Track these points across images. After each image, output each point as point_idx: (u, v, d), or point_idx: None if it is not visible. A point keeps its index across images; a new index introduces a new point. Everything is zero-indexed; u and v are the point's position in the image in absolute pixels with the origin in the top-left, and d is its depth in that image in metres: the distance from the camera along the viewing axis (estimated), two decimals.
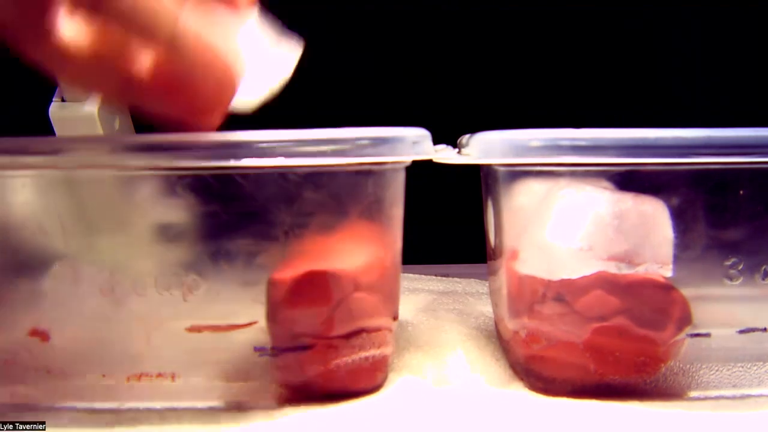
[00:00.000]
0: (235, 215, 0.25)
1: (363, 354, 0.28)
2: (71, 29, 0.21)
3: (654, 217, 0.26)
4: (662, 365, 0.27)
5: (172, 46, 0.21)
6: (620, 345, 0.27)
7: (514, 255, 0.29)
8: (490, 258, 0.33)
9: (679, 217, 0.26)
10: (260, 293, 0.26)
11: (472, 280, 0.49)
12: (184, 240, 0.25)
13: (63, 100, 0.28)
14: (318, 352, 0.27)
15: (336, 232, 0.26)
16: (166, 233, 0.26)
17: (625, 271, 0.26)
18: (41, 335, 0.26)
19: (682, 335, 0.27)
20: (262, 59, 0.25)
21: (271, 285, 0.26)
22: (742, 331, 0.27)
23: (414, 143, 0.26)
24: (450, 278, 0.50)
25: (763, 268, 0.27)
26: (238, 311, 0.26)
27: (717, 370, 0.27)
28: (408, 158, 0.26)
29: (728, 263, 0.27)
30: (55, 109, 0.28)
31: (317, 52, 0.64)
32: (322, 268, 0.26)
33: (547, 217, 0.28)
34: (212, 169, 0.25)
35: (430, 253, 0.55)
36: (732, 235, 0.26)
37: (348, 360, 0.27)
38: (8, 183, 0.26)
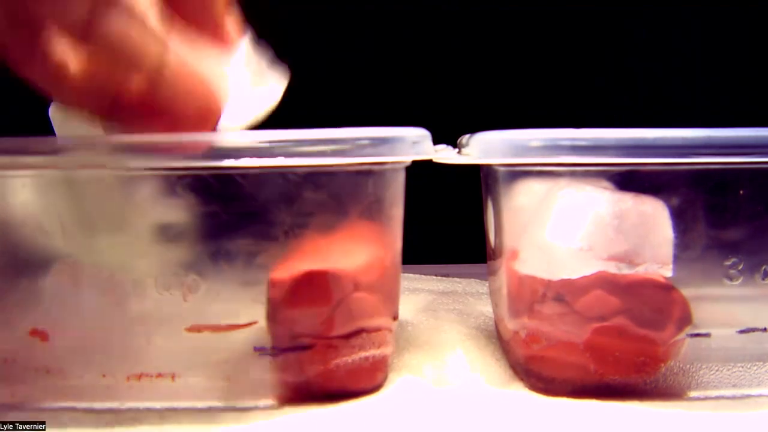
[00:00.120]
0: (235, 215, 0.25)
1: (363, 354, 0.28)
2: (61, 53, 0.22)
3: (654, 217, 0.26)
4: (662, 365, 0.27)
5: (157, 74, 0.22)
6: (620, 345, 0.27)
7: (514, 255, 0.29)
8: (490, 258, 0.33)
9: (679, 217, 0.26)
10: (260, 293, 0.26)
11: (472, 280, 0.49)
12: (184, 240, 0.25)
13: None
14: (318, 352, 0.27)
15: (336, 232, 0.26)
16: (166, 233, 0.26)
17: (625, 271, 0.26)
18: (41, 335, 0.26)
19: (682, 335, 0.27)
20: (248, 88, 0.26)
21: (271, 285, 0.26)
22: (742, 331, 0.27)
23: (414, 143, 0.26)
24: (450, 278, 0.50)
25: (763, 268, 0.27)
26: (238, 311, 0.26)
27: (717, 370, 0.27)
28: (408, 158, 0.26)
29: (728, 263, 0.27)
30: (55, 109, 0.28)
31: (317, 52, 0.64)
32: (322, 268, 0.26)
33: (547, 217, 0.28)
34: (212, 169, 0.25)
35: (430, 253, 0.55)
36: (732, 235, 0.26)
37: (348, 360, 0.27)
38: (8, 183, 0.26)
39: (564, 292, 0.27)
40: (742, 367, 0.27)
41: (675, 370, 0.27)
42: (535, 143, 0.26)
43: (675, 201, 0.26)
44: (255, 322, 0.26)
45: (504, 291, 0.30)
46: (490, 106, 0.59)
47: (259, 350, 0.27)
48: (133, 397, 0.27)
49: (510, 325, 0.29)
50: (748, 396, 0.27)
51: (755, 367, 0.28)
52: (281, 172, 0.25)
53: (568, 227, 0.27)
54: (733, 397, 0.27)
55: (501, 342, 0.33)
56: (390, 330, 0.29)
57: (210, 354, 0.26)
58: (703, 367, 0.27)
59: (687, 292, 0.27)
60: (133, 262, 0.26)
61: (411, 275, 0.49)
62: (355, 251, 0.27)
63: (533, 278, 0.28)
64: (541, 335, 0.28)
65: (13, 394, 0.27)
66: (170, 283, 0.26)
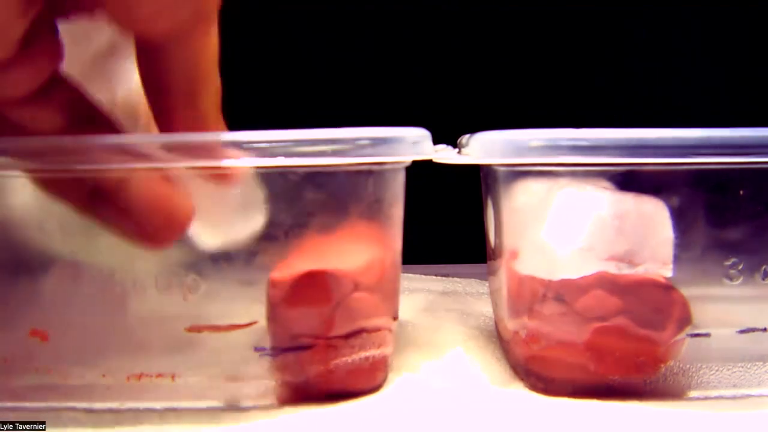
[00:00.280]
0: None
1: (363, 354, 0.28)
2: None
3: (654, 217, 0.26)
4: (662, 365, 0.27)
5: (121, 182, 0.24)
6: (620, 345, 0.27)
7: (514, 255, 0.29)
8: (490, 258, 0.33)
9: (679, 217, 0.26)
10: (260, 293, 0.26)
11: (472, 280, 0.49)
12: (184, 240, 0.25)
13: None
14: (318, 352, 0.27)
15: (336, 232, 0.26)
16: None
17: (625, 271, 0.26)
18: (41, 335, 0.26)
19: (682, 335, 0.27)
20: (228, 210, 0.26)
21: (271, 285, 0.26)
22: (742, 331, 0.27)
23: (414, 143, 0.26)
24: (450, 278, 0.50)
25: (763, 268, 0.27)
26: (238, 311, 0.26)
27: (717, 370, 0.27)
28: (408, 158, 0.26)
29: (728, 263, 0.27)
30: None
31: (317, 52, 0.64)
32: (322, 268, 0.26)
33: (547, 217, 0.28)
34: (212, 169, 0.25)
35: (430, 253, 0.55)
36: (732, 235, 0.26)
37: (348, 360, 0.27)
38: (8, 183, 0.26)
39: (564, 292, 0.27)
40: (742, 367, 0.27)
41: (675, 370, 0.27)
42: (535, 143, 0.26)
43: (675, 201, 0.26)
44: (255, 322, 0.26)
45: (504, 291, 0.30)
46: (490, 106, 0.59)
47: (259, 350, 0.27)
48: (133, 397, 0.27)
49: (510, 325, 0.30)
50: (748, 396, 0.27)
51: (755, 367, 0.28)
52: (281, 172, 0.25)
53: (568, 227, 0.27)
54: (733, 397, 0.27)
55: (501, 342, 0.33)
56: (390, 330, 0.29)
57: (210, 354, 0.26)
58: (703, 367, 0.27)
59: (687, 292, 0.27)
60: (133, 262, 0.26)
61: (411, 275, 0.49)
62: (355, 251, 0.27)
63: (533, 278, 0.28)
64: (541, 335, 0.28)
65: (13, 394, 0.27)
66: (170, 283, 0.26)
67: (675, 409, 0.26)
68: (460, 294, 0.46)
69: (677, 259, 0.26)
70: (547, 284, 0.27)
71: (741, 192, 0.26)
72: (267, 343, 0.27)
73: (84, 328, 0.26)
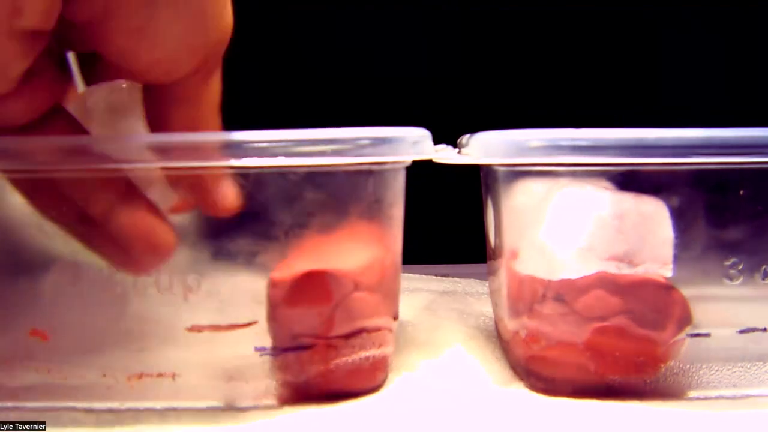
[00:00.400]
0: (235, 215, 0.25)
1: (363, 354, 0.28)
2: None
3: (654, 217, 0.26)
4: (662, 365, 0.27)
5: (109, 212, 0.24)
6: (620, 345, 0.27)
7: (514, 255, 0.29)
8: (490, 258, 0.33)
9: (679, 217, 0.26)
10: (260, 293, 0.26)
11: (472, 280, 0.49)
12: (184, 240, 0.25)
13: None
14: (318, 352, 0.27)
15: (336, 232, 0.26)
16: None
17: (625, 271, 0.26)
18: (41, 335, 0.26)
19: (682, 335, 0.27)
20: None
21: (271, 285, 0.26)
22: (742, 331, 0.27)
23: (414, 143, 0.26)
24: (450, 278, 0.50)
25: (763, 268, 0.27)
26: (238, 311, 0.26)
27: (717, 370, 0.27)
28: (408, 158, 0.26)
29: (728, 263, 0.27)
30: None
31: (317, 52, 0.64)
32: (322, 268, 0.26)
33: (547, 217, 0.28)
34: (212, 169, 0.25)
35: (430, 253, 0.55)
36: (732, 235, 0.26)
37: (348, 360, 0.27)
38: (8, 183, 0.26)
39: (564, 292, 0.27)
40: (742, 367, 0.27)
41: (675, 370, 0.27)
42: (535, 143, 0.26)
43: (675, 201, 0.26)
44: (255, 322, 0.26)
45: (504, 291, 0.30)
46: (490, 106, 0.59)
47: (259, 350, 0.27)
48: (133, 397, 0.27)
49: (510, 325, 0.30)
50: (748, 396, 0.27)
51: (755, 367, 0.28)
52: (281, 172, 0.25)
53: (568, 227, 0.27)
54: (733, 397, 0.27)
55: (501, 342, 0.33)
56: (390, 330, 0.29)
57: (210, 354, 0.26)
58: (703, 367, 0.27)
59: (687, 292, 0.27)
60: None
61: (411, 275, 0.49)
62: (355, 251, 0.27)
63: (533, 278, 0.28)
64: (541, 335, 0.28)
65: (13, 394, 0.27)
66: (170, 282, 0.26)
67: (675, 409, 0.26)
68: (460, 294, 0.45)
69: (677, 259, 0.26)
70: (547, 284, 0.27)
71: (741, 192, 0.26)
72: (267, 343, 0.27)
73: (84, 328, 0.26)
